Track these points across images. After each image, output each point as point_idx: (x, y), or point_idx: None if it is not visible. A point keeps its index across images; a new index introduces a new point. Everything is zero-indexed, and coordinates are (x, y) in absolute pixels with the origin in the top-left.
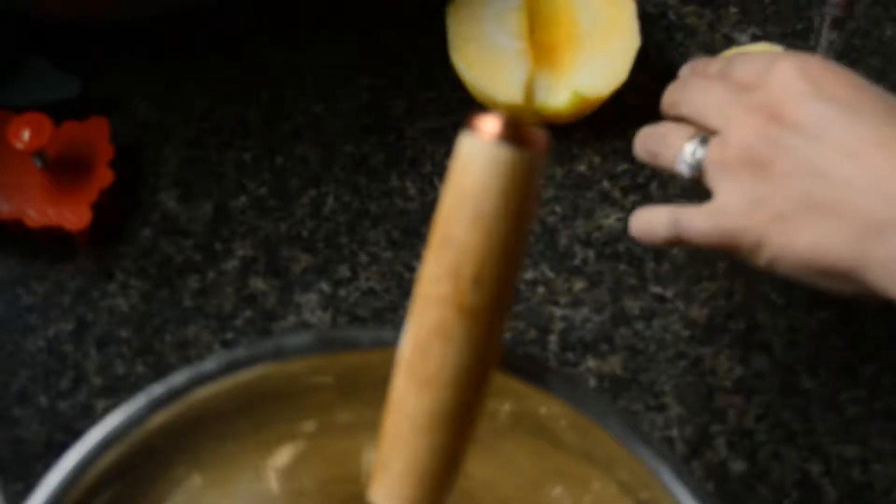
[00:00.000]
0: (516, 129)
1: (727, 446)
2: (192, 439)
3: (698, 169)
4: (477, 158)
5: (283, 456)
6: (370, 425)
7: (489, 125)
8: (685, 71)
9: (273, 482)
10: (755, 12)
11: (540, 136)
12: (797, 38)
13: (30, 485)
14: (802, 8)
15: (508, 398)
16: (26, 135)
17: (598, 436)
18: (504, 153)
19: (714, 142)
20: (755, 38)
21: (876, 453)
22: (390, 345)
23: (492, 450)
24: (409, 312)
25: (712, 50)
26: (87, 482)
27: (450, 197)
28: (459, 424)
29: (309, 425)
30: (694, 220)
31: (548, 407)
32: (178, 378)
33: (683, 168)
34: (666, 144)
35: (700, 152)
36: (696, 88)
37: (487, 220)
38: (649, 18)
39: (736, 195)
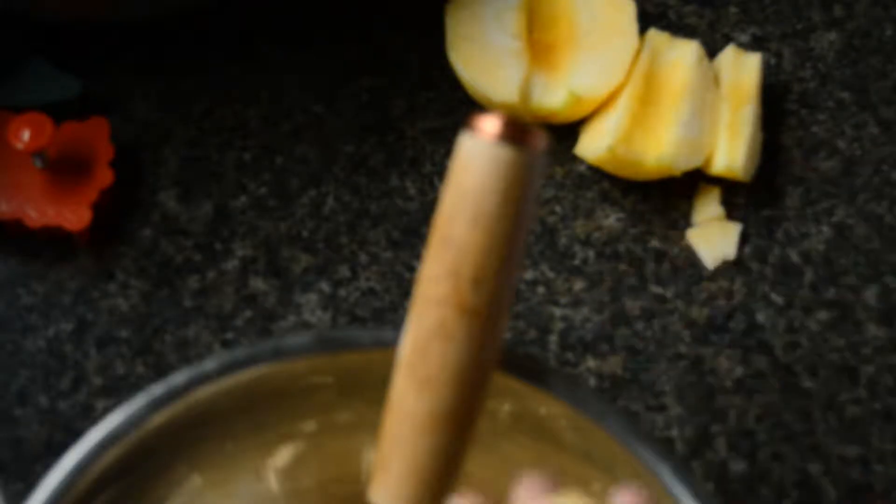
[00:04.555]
0: (517, 129)
1: (727, 446)
2: (191, 439)
3: None
4: (477, 158)
5: (283, 456)
6: (370, 425)
7: (489, 125)
8: None
9: (273, 482)
10: (755, 12)
11: (540, 136)
12: (797, 37)
13: (30, 485)
14: (802, 8)
15: (508, 398)
16: (26, 135)
17: (598, 436)
18: (504, 153)
19: None
20: (755, 39)
21: (876, 453)
22: (390, 345)
23: (492, 450)
24: (409, 312)
25: (712, 50)
26: (86, 482)
27: (450, 197)
28: (460, 424)
29: (309, 425)
30: None
31: (548, 407)
32: (178, 378)
33: None
34: None
35: None
36: None
37: (488, 220)
38: (649, 18)
39: None
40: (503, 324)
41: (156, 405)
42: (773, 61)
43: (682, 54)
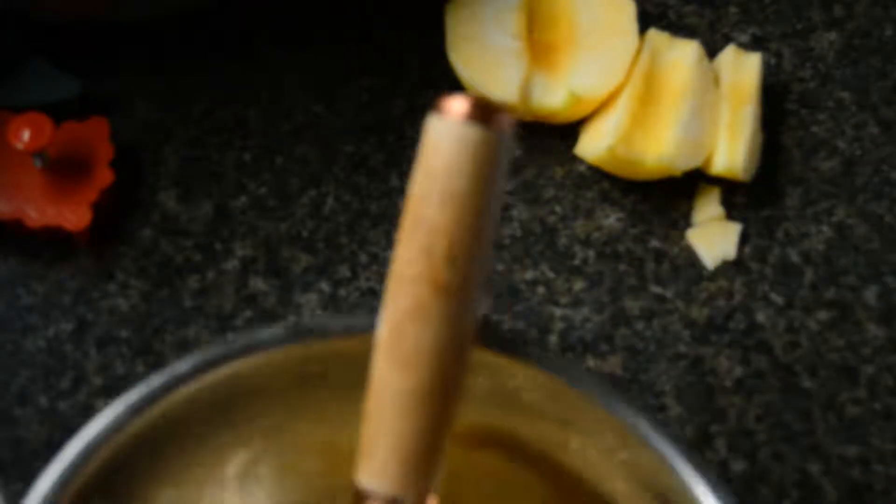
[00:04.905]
0: (484, 110)
1: (727, 446)
2: (176, 439)
3: None
4: (445, 139)
5: (265, 451)
6: (352, 413)
7: (457, 106)
8: None
9: (256, 478)
10: (755, 12)
11: (507, 117)
12: (797, 37)
13: (30, 485)
14: (802, 8)
15: (483, 372)
16: (26, 135)
17: (570, 397)
18: (472, 133)
19: None
20: (755, 39)
21: (876, 453)
22: (364, 331)
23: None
24: (385, 294)
25: (712, 50)
26: (72, 492)
27: (420, 178)
28: (441, 403)
29: (290, 418)
30: None
31: (522, 377)
32: (154, 381)
33: None
34: None
35: None
36: None
37: (458, 198)
38: (649, 18)
39: None
40: (478, 300)
41: (133, 411)
42: (773, 61)
43: (682, 54)
